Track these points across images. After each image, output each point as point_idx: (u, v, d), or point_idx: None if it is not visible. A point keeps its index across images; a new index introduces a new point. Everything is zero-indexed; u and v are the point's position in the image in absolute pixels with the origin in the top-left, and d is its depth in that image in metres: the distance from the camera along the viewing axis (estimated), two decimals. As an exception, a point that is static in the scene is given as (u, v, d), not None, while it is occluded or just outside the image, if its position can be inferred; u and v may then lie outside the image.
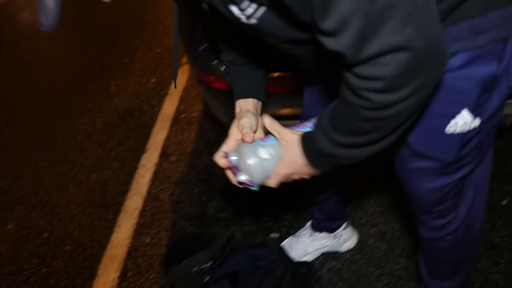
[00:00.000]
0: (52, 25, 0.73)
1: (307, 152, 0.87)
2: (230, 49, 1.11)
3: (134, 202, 2.16)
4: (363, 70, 0.66)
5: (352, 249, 1.74)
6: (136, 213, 2.10)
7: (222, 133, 2.07)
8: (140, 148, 2.47)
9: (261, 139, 0.98)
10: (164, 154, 2.39)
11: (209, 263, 1.43)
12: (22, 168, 2.57)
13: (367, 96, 0.69)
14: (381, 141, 0.79)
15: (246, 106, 1.08)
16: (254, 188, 0.98)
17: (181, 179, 2.21)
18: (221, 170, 1.06)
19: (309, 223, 1.73)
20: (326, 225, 1.66)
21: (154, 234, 1.98)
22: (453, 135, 0.90)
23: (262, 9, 0.76)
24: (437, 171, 0.99)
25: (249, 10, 0.76)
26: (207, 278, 1.40)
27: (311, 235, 1.70)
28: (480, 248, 1.30)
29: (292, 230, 1.84)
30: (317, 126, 0.83)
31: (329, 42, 0.66)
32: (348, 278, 1.66)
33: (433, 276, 1.33)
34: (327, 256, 1.73)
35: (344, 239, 1.72)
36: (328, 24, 0.63)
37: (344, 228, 1.70)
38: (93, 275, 1.88)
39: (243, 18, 0.79)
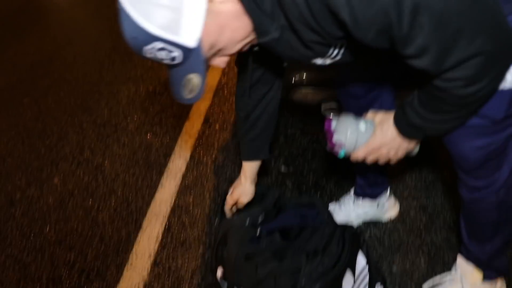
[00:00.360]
0: (198, 98, 0.89)
1: (400, 124, 1.03)
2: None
3: (177, 164, 2.23)
4: (447, 75, 0.81)
5: (394, 219, 1.78)
6: (179, 175, 2.16)
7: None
8: (183, 116, 2.53)
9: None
10: (207, 122, 2.45)
11: (261, 217, 1.49)
12: (67, 128, 2.65)
13: (454, 92, 0.84)
14: (466, 116, 0.96)
15: (250, 169, 1.44)
16: (341, 154, 1.12)
17: (224, 146, 2.27)
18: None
19: (352, 190, 1.77)
20: (369, 192, 1.70)
21: (197, 195, 2.04)
22: (502, 92, 0.95)
23: (343, 49, 0.94)
24: (484, 129, 1.02)
25: (334, 53, 0.94)
26: (259, 231, 1.45)
27: (354, 202, 1.74)
28: None
29: (333, 197, 1.88)
30: (408, 105, 0.98)
31: (412, 62, 0.81)
32: (389, 246, 1.70)
33: (474, 238, 1.34)
34: (369, 224, 1.77)
35: (386, 208, 1.76)
36: (409, 51, 0.78)
37: (387, 198, 1.74)
38: (138, 228, 1.95)
39: (326, 62, 0.98)
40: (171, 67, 0.84)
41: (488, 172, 1.13)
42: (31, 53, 3.57)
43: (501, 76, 0.85)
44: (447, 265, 1.60)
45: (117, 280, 1.76)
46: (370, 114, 1.13)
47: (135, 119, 2.60)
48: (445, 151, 1.89)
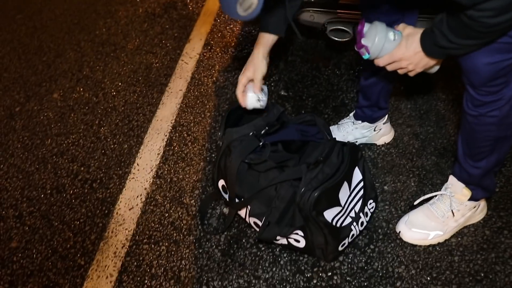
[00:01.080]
0: (254, 15, 0.90)
1: (425, 43, 1.11)
2: None
3: (178, 84, 2.25)
4: (480, 6, 0.88)
5: (388, 143, 1.86)
6: (180, 94, 2.19)
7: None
8: (183, 38, 2.53)
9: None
10: (207, 45, 2.45)
11: (265, 129, 1.53)
12: (64, 46, 2.63)
13: (483, 21, 0.91)
14: (491, 41, 1.02)
15: (266, 42, 1.39)
16: (365, 56, 1.21)
17: (225, 68, 2.29)
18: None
19: (352, 113, 1.83)
20: (369, 114, 1.76)
21: (198, 113, 2.08)
22: None
23: None
24: (504, 46, 1.05)
25: None
26: (262, 142, 1.50)
27: (353, 124, 1.81)
28: None
29: (331, 122, 1.94)
30: (437, 27, 1.05)
31: None
32: (382, 167, 1.78)
33: (469, 156, 1.39)
34: (364, 147, 1.85)
35: (382, 133, 1.83)
36: None
37: (384, 123, 1.81)
38: (139, 143, 2.00)
39: None
40: None
41: (497, 88, 1.16)
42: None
43: None
44: (436, 187, 1.70)
45: (120, 190, 1.82)
46: (401, 26, 1.19)
47: (135, 39, 2.59)
48: (440, 83, 1.95)
